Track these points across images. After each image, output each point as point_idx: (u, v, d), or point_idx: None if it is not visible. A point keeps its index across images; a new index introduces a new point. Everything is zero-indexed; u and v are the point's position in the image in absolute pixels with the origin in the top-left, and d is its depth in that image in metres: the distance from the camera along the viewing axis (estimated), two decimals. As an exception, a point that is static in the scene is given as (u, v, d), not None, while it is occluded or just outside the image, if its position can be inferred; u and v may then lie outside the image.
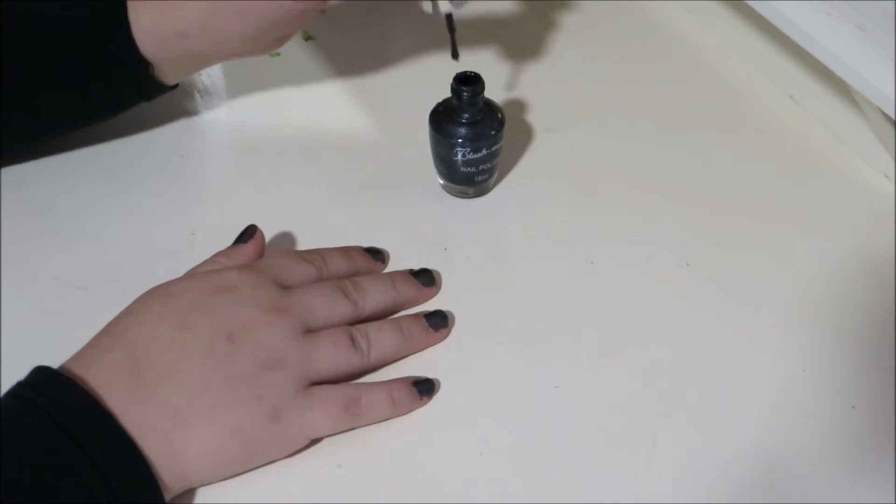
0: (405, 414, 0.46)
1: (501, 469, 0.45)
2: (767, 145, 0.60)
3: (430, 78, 0.63)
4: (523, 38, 0.67)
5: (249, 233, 0.49)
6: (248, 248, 0.49)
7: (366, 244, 0.54)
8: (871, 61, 0.51)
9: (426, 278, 0.51)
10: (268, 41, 0.54)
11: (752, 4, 0.57)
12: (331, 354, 0.45)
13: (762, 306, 0.51)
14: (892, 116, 0.51)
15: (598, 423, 0.46)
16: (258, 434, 0.42)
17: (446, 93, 0.53)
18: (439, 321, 0.49)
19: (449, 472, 0.44)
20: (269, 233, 0.54)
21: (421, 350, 0.48)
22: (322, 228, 0.54)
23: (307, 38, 0.67)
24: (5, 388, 0.46)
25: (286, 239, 0.53)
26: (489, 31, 0.67)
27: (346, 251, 0.51)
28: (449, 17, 0.55)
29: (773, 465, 0.45)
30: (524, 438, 0.46)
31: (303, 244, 0.52)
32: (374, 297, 0.48)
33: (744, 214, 0.56)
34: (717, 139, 0.61)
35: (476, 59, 0.64)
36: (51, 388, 0.40)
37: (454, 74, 0.52)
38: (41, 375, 0.41)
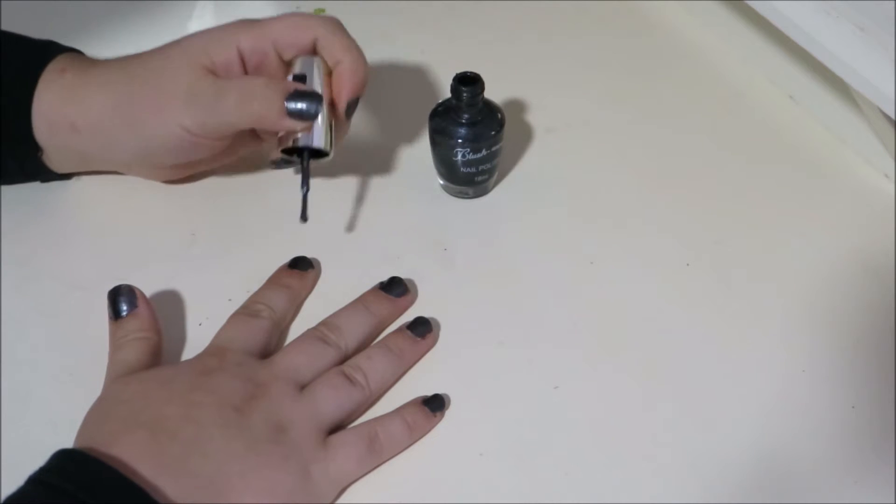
0: (423, 436, 0.45)
1: (501, 469, 0.45)
2: (767, 145, 0.60)
3: (430, 78, 0.63)
4: (523, 38, 0.67)
5: (131, 302, 0.47)
6: (140, 311, 0.47)
7: (365, 244, 0.54)
8: (871, 61, 0.51)
9: (399, 289, 0.50)
10: (159, 165, 0.53)
11: (752, 4, 0.57)
12: (332, 398, 0.44)
13: (762, 306, 0.51)
14: (892, 116, 0.51)
15: (597, 424, 0.46)
16: (293, 492, 0.41)
17: (446, 93, 0.53)
18: (423, 329, 0.48)
19: (449, 472, 0.44)
20: (268, 233, 0.54)
21: (416, 362, 0.48)
22: (322, 229, 0.54)
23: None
24: (5, 387, 0.47)
25: (287, 239, 0.53)
26: (489, 31, 0.67)
27: (275, 281, 0.50)
28: (304, 167, 0.51)
29: (773, 465, 0.45)
30: (524, 438, 0.46)
31: (303, 245, 0.52)
32: (352, 331, 0.48)
33: (744, 214, 0.56)
34: (717, 139, 0.60)
35: (476, 60, 0.64)
36: (77, 471, 0.38)
37: (454, 74, 0.52)
38: (64, 458, 0.39)
